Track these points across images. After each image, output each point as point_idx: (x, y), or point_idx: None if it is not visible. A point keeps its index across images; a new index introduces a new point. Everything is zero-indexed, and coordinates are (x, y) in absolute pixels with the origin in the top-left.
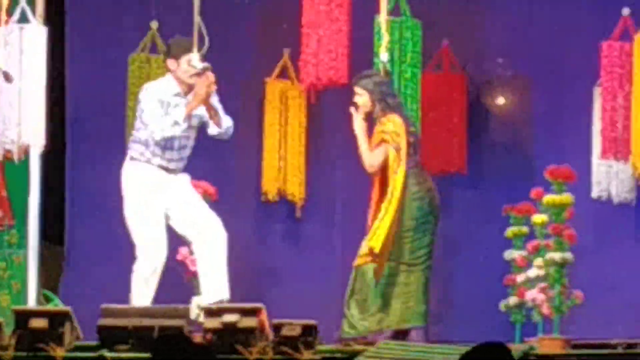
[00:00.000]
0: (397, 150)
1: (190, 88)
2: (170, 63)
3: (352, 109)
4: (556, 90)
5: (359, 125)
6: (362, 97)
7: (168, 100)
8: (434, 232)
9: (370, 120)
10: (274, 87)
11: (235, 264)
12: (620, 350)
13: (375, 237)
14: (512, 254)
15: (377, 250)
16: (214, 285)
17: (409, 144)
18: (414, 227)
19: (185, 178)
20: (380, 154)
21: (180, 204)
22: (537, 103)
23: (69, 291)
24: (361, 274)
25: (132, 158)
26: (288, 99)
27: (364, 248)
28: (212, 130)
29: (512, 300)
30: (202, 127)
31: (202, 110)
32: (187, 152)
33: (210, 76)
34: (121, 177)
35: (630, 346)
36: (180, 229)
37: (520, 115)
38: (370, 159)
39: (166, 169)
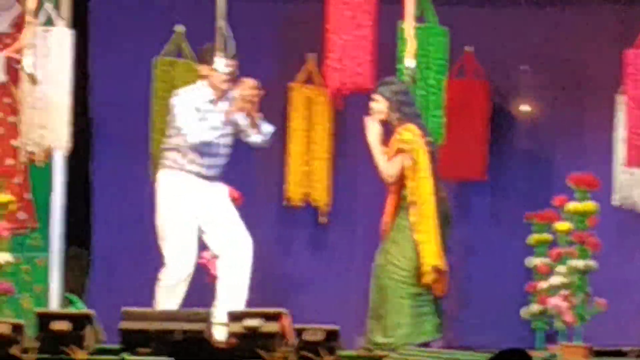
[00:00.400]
0: (414, 160)
1: (223, 94)
2: (203, 69)
3: (367, 118)
4: (578, 97)
5: (374, 134)
6: (378, 104)
7: (202, 107)
8: (446, 243)
9: (385, 128)
10: (299, 93)
11: (258, 268)
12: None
13: (433, 254)
14: (535, 261)
15: (442, 267)
16: (233, 297)
17: (427, 154)
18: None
19: (222, 188)
20: (398, 163)
21: (212, 216)
22: (558, 110)
23: (95, 295)
24: (382, 288)
25: (165, 166)
26: (313, 104)
27: (425, 267)
28: (255, 138)
29: (534, 307)
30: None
31: (237, 118)
32: (222, 159)
33: (251, 82)
34: (155, 185)
35: None
36: (209, 242)
37: (542, 122)
38: (388, 168)
39: (202, 176)
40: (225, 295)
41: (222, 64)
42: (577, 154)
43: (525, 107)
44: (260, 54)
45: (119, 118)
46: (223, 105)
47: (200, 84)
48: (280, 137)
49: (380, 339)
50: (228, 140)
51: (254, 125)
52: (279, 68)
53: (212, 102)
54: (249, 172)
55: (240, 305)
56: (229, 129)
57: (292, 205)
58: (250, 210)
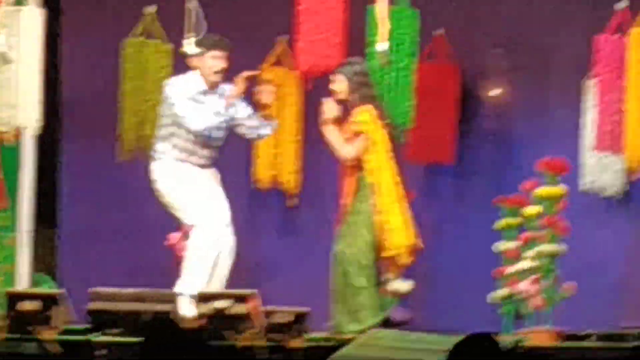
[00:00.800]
0: (371, 141)
1: (214, 85)
2: (194, 60)
3: (325, 99)
4: (547, 81)
5: (330, 114)
6: (339, 84)
7: (195, 98)
8: None
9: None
10: (268, 74)
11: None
12: (595, 341)
13: (405, 233)
14: (503, 246)
15: (416, 245)
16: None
17: (385, 135)
18: None
19: (214, 173)
20: (355, 145)
21: (205, 196)
22: (528, 94)
23: (66, 275)
24: (344, 274)
25: (159, 158)
26: (282, 86)
27: (396, 247)
28: (265, 130)
29: (503, 291)
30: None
31: (237, 110)
32: (215, 151)
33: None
34: (151, 176)
35: (611, 337)
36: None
37: (511, 105)
38: (346, 150)
39: (196, 165)
40: (190, 278)
41: (191, 44)
42: (546, 138)
43: (495, 90)
44: (230, 35)
45: (89, 98)
46: (214, 98)
47: (192, 74)
48: None
49: (345, 324)
50: (222, 132)
51: (269, 119)
52: (249, 50)
53: (204, 93)
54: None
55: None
56: (226, 121)
57: (261, 189)
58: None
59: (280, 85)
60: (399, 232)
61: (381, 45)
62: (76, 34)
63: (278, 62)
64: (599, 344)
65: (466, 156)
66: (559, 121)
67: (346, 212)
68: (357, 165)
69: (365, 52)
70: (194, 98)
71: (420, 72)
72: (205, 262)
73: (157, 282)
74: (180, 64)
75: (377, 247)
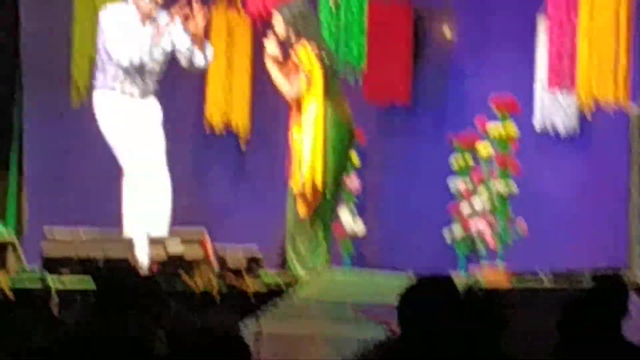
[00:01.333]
0: (309, 77)
1: (148, 17)
2: None
3: (265, 39)
4: (500, 18)
5: (270, 54)
6: (277, 23)
7: (129, 27)
8: (347, 164)
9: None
10: (220, 18)
11: (179, 197)
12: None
13: (316, 171)
14: (457, 183)
15: (320, 186)
16: (154, 221)
17: (323, 71)
18: (334, 156)
19: (155, 109)
20: (297, 81)
21: (141, 138)
22: (481, 32)
23: (26, 219)
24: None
25: (99, 87)
26: (234, 29)
27: (305, 184)
28: (200, 60)
29: (457, 231)
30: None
31: (176, 40)
32: (154, 78)
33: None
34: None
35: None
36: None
37: (464, 44)
38: (288, 87)
39: (132, 95)
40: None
41: None
42: (500, 75)
43: (447, 30)
44: None
45: (44, 44)
46: (150, 29)
47: (126, 4)
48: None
49: (295, 264)
50: (157, 63)
51: (201, 47)
52: None
53: (136, 22)
54: (169, 99)
55: (162, 230)
56: (162, 51)
57: (213, 133)
58: (170, 138)
59: (231, 28)
60: (308, 169)
61: None
62: None
63: (230, 5)
64: (553, 284)
65: (418, 95)
66: (512, 58)
67: (294, 145)
68: (299, 102)
69: None
70: (125, 27)
71: (372, 13)
72: (139, 206)
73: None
74: None
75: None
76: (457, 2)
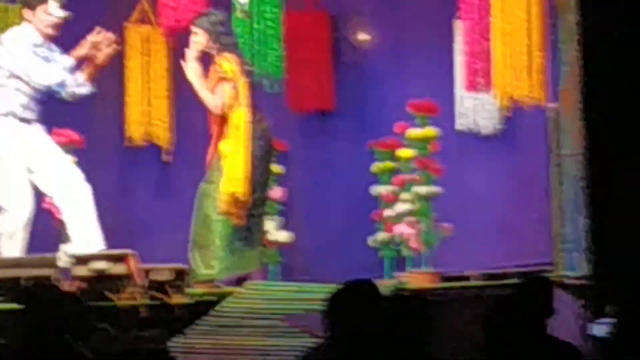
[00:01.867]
0: (234, 88)
1: (49, 38)
2: (27, 13)
3: (186, 51)
4: (418, 23)
5: (192, 69)
6: (197, 37)
7: (33, 49)
8: (269, 174)
9: (206, 60)
10: (134, 32)
11: (102, 211)
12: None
13: (238, 182)
14: (379, 189)
15: (243, 197)
16: (86, 237)
17: (246, 83)
18: (256, 167)
19: (40, 129)
20: (221, 93)
21: (40, 160)
22: (399, 37)
23: None
24: (206, 218)
25: None
26: (150, 43)
27: (224, 195)
28: (83, 90)
29: (381, 235)
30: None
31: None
32: (37, 101)
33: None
34: None
35: (490, 276)
36: (41, 185)
37: (382, 50)
38: (213, 100)
39: (23, 120)
40: (78, 238)
41: (55, 7)
42: (418, 81)
43: (365, 35)
44: None
45: None
46: (52, 50)
47: (25, 27)
48: (118, 78)
49: (202, 271)
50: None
51: (92, 77)
52: (112, 7)
53: (40, 46)
54: (88, 115)
55: (99, 241)
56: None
57: (134, 146)
58: (91, 152)
59: (146, 42)
60: (232, 177)
61: None
62: None
63: (142, 20)
64: (479, 282)
65: (339, 101)
66: (431, 62)
67: (211, 159)
68: (224, 114)
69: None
70: (33, 51)
71: (289, 22)
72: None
73: (39, 246)
74: None
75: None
76: (373, 8)
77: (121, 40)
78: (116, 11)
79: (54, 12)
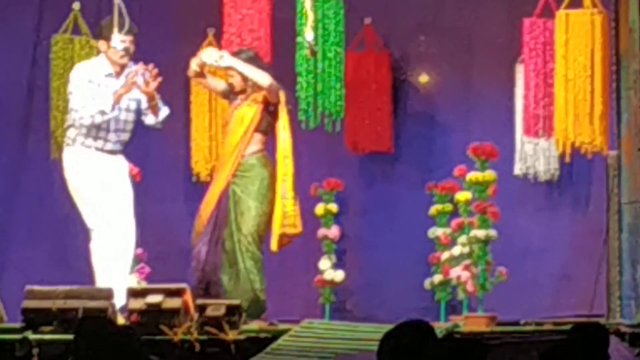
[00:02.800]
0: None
1: (122, 69)
2: (101, 44)
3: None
4: (478, 66)
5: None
6: (234, 78)
7: (99, 82)
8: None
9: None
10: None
11: (167, 243)
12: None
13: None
14: (436, 232)
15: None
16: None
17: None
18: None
19: (123, 164)
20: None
21: (108, 194)
22: (459, 80)
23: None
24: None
25: (68, 144)
26: None
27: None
28: (149, 119)
29: (437, 278)
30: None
31: (139, 95)
32: (125, 135)
33: (146, 67)
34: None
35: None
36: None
37: (443, 92)
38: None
39: (102, 150)
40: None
41: (118, 40)
42: (479, 123)
43: (426, 78)
44: (160, 30)
45: (17, 98)
46: (124, 79)
47: (99, 59)
48: (183, 113)
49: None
50: (130, 116)
51: (154, 108)
52: (178, 44)
53: (110, 75)
54: (153, 150)
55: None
56: (133, 105)
57: (201, 181)
58: (158, 185)
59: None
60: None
61: (308, 35)
62: (2, 32)
63: None
64: (533, 328)
65: (398, 143)
66: (493, 106)
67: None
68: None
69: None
70: (96, 82)
71: (351, 61)
72: (108, 262)
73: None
74: None
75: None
76: (436, 51)
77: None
78: (183, 46)
79: (116, 45)
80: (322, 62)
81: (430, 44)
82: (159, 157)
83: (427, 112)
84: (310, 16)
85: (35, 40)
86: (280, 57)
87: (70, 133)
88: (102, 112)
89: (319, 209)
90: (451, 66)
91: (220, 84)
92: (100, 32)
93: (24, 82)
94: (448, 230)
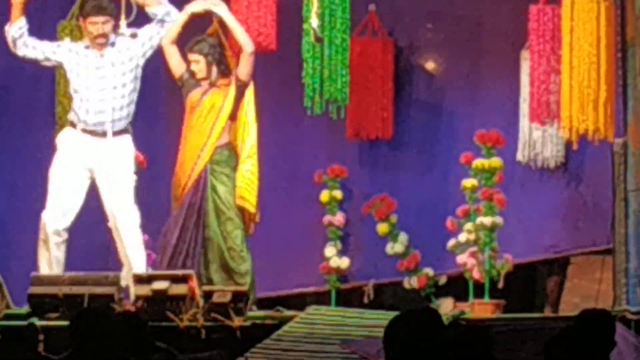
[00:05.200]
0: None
1: (102, 48)
2: (82, 25)
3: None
4: (483, 53)
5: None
6: (198, 64)
7: (77, 50)
8: None
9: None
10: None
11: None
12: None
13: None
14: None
15: None
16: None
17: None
18: None
19: (124, 144)
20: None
21: (107, 176)
22: (463, 67)
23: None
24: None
25: (66, 125)
26: None
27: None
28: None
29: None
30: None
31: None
32: (122, 112)
33: None
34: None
35: None
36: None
37: (447, 79)
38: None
39: (98, 133)
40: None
41: (124, 26)
42: (483, 111)
43: (431, 64)
44: None
45: (22, 83)
46: (109, 53)
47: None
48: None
49: None
50: (125, 92)
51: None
52: (185, 30)
53: (87, 47)
54: (161, 135)
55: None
56: (123, 81)
57: None
58: (165, 173)
59: None
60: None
61: (313, 21)
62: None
63: None
64: (539, 315)
65: (402, 129)
66: (498, 93)
67: None
68: None
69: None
70: (74, 50)
71: (354, 48)
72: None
73: (98, 265)
74: None
75: None
76: (443, 37)
77: None
78: (187, 34)
79: (123, 31)
80: (329, 48)
81: (435, 31)
82: (165, 144)
83: (431, 99)
84: (315, 3)
85: (41, 25)
86: (286, 44)
87: (70, 115)
88: (101, 89)
89: (324, 195)
90: (456, 53)
91: (180, 67)
92: (80, 12)
93: (29, 67)
94: (454, 217)
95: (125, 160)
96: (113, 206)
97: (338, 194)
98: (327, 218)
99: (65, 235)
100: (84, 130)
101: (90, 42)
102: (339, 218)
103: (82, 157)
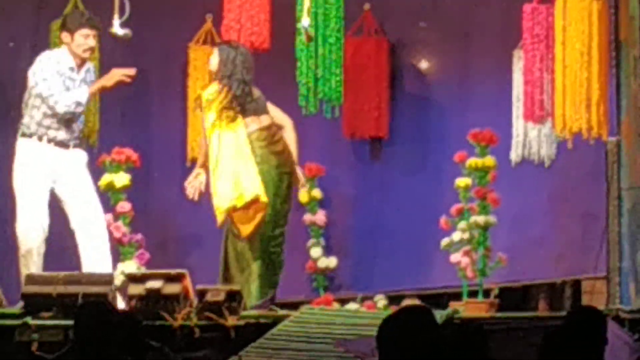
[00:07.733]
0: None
1: (83, 62)
2: (65, 36)
3: None
4: (477, 52)
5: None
6: (213, 58)
7: (64, 73)
8: (288, 200)
9: None
10: (197, 53)
11: (161, 228)
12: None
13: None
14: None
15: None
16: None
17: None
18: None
19: (81, 155)
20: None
21: (68, 187)
22: (458, 66)
23: None
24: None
25: (23, 134)
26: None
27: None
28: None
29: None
30: None
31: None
32: (79, 127)
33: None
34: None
35: None
36: (65, 207)
37: (441, 78)
38: None
39: (57, 143)
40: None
41: (117, 25)
42: (476, 110)
43: (423, 64)
44: (159, 15)
45: (16, 83)
46: (84, 74)
47: (62, 50)
48: (181, 96)
49: None
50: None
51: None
52: (177, 29)
53: (72, 69)
54: (154, 134)
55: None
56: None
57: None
58: (157, 171)
59: (209, 63)
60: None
61: (305, 20)
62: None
63: (206, 40)
64: (533, 314)
65: (395, 128)
66: (491, 91)
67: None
68: None
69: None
70: (61, 73)
71: (349, 47)
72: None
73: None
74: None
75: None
76: (436, 36)
77: (185, 61)
78: (182, 31)
79: (116, 30)
80: (323, 47)
81: (429, 30)
82: (158, 143)
83: (425, 98)
84: (307, 2)
85: (35, 25)
86: (279, 43)
87: (26, 121)
88: (78, 104)
89: (303, 196)
90: (450, 52)
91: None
92: (64, 24)
93: (24, 66)
94: (448, 216)
95: (82, 170)
96: (79, 213)
97: (318, 193)
98: (307, 217)
99: (43, 248)
100: (50, 141)
101: (73, 54)
102: (320, 217)
103: (47, 168)
